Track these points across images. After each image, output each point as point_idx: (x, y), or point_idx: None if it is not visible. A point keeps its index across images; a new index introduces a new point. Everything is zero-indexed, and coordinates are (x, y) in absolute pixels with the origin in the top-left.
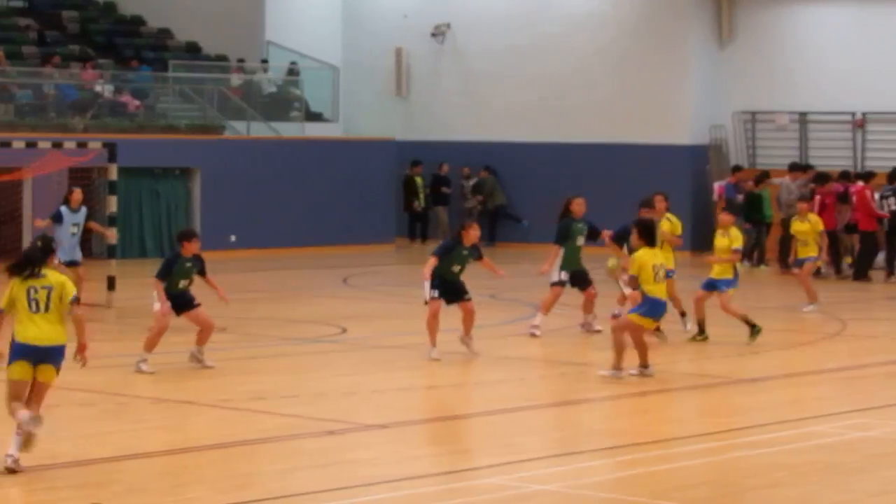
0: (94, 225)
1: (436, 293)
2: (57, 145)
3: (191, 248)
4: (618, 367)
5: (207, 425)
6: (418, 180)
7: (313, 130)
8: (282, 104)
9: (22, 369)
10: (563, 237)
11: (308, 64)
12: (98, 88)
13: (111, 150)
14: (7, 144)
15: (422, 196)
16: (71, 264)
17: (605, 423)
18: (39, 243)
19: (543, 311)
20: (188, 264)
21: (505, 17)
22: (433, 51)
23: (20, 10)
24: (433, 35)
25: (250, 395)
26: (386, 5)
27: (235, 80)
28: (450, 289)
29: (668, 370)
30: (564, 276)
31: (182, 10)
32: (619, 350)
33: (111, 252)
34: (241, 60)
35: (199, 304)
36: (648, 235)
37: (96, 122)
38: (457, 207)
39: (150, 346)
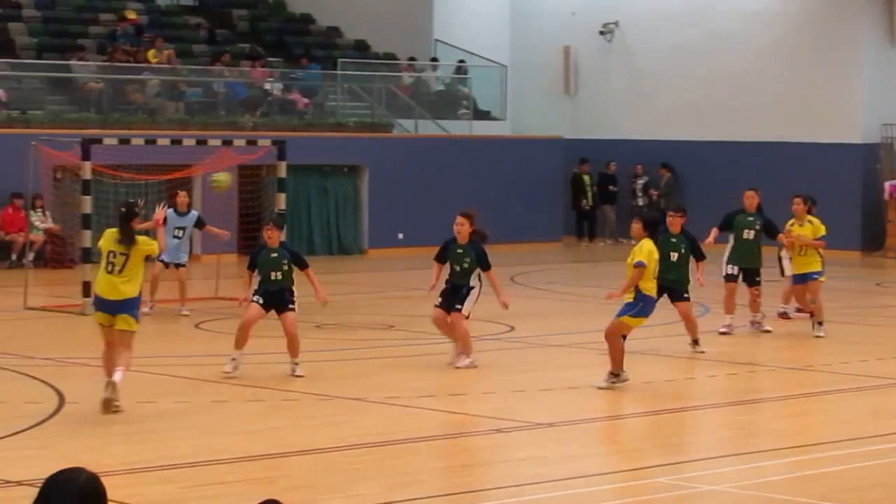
0: (210, 228)
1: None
2: (227, 143)
3: (272, 236)
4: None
5: (375, 422)
6: (586, 178)
7: (481, 129)
8: (450, 102)
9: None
10: (724, 226)
11: (476, 62)
12: (267, 86)
13: (280, 148)
14: (178, 142)
15: (589, 194)
16: (177, 265)
17: (775, 423)
18: (122, 209)
19: (727, 312)
20: (273, 255)
21: (673, 14)
22: (601, 49)
23: (191, 9)
24: (601, 33)
25: (418, 392)
26: (554, 3)
27: (404, 78)
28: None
29: (839, 370)
30: (733, 269)
31: (351, 9)
32: (617, 356)
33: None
34: (411, 59)
35: (291, 308)
36: (652, 228)
37: (265, 120)
38: (625, 206)
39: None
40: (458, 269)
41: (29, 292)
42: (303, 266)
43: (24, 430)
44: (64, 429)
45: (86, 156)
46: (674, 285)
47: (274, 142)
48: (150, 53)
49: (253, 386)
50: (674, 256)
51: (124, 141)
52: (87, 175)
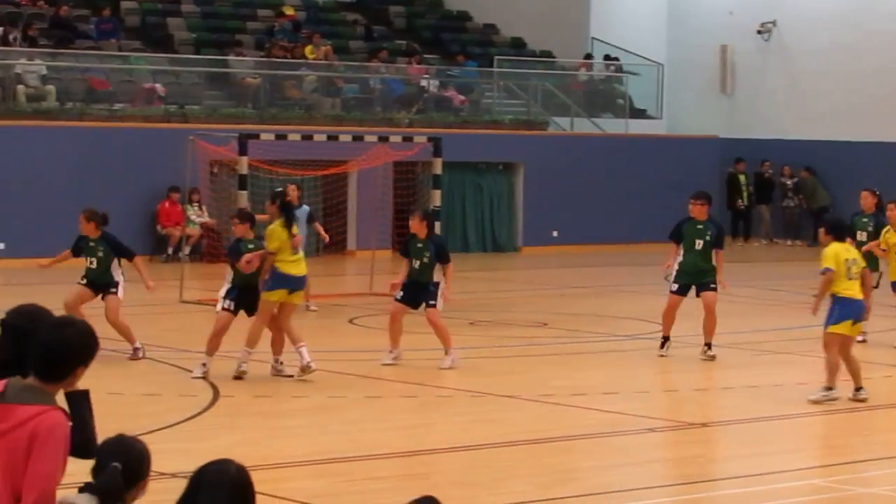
0: (317, 226)
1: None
2: (383, 139)
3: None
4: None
5: (528, 419)
6: (741, 178)
7: (636, 127)
8: (605, 101)
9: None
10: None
11: (632, 60)
12: (424, 83)
13: (436, 145)
14: (334, 138)
15: (745, 194)
16: None
17: None
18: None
19: None
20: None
21: (831, 14)
22: (758, 48)
23: (348, 6)
24: (759, 32)
25: (572, 390)
26: (712, 2)
27: (560, 76)
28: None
29: None
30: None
31: (508, 6)
32: (831, 369)
33: None
34: (578, 58)
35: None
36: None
37: (421, 117)
38: (779, 206)
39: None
40: (417, 265)
41: (185, 286)
42: (445, 261)
43: (178, 423)
44: (218, 422)
45: (242, 151)
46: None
47: (430, 139)
48: (308, 49)
49: (406, 382)
50: (699, 244)
51: (281, 136)
52: (244, 170)
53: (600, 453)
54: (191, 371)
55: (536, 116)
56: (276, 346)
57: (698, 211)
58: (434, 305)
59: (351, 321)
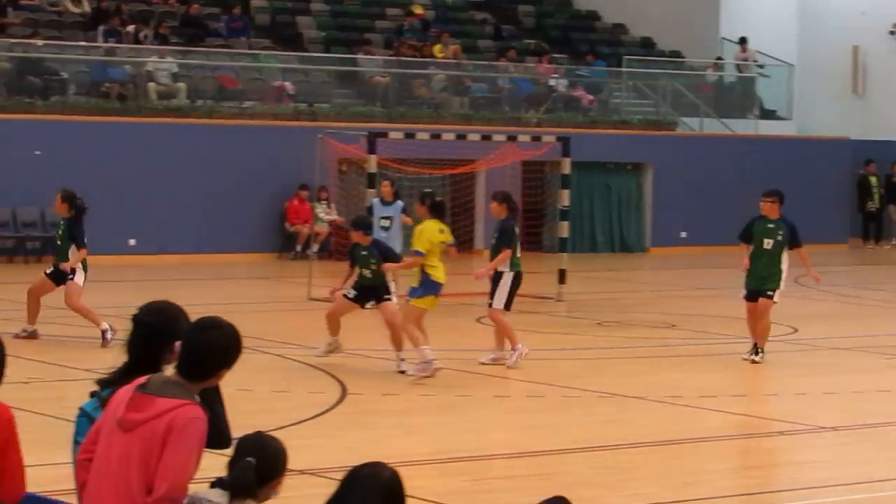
0: (406, 218)
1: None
2: (511, 139)
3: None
4: None
5: (656, 421)
6: (872, 180)
7: (766, 128)
8: (735, 101)
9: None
10: None
11: (763, 61)
12: (552, 83)
13: (565, 145)
14: (462, 137)
15: (876, 196)
16: None
17: None
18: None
19: None
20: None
21: None
22: (891, 49)
23: (477, 5)
24: (891, 33)
25: (700, 391)
26: (843, 3)
27: (689, 76)
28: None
29: None
30: None
31: (637, 6)
32: None
33: (562, 246)
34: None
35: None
36: None
37: (549, 116)
38: None
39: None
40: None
41: (312, 283)
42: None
43: (307, 420)
44: (346, 419)
45: (371, 149)
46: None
47: (558, 138)
48: (437, 48)
49: (533, 382)
50: (768, 244)
51: (409, 135)
52: (373, 168)
53: (728, 456)
54: (320, 368)
55: (665, 117)
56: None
57: (769, 209)
58: (389, 299)
59: (478, 320)
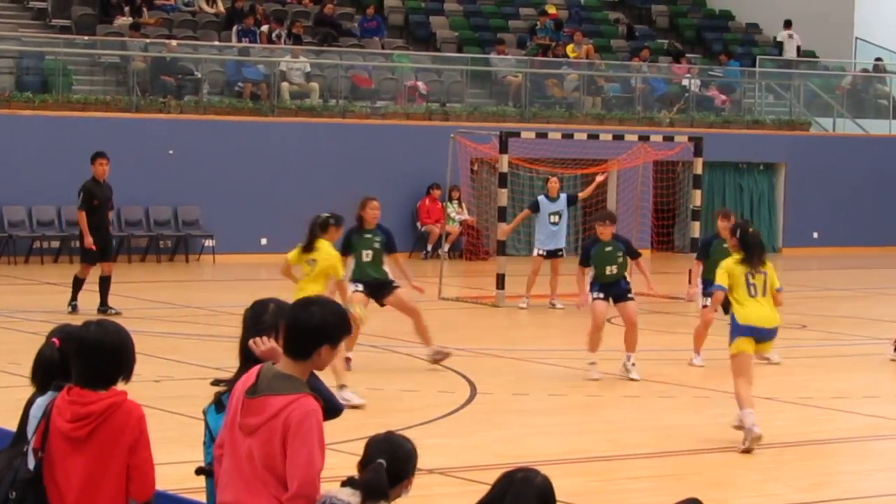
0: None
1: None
2: (643, 138)
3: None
4: None
5: (788, 422)
6: None
7: None
8: (869, 101)
9: None
10: None
11: None
12: (685, 83)
13: (697, 145)
14: (594, 137)
15: None
16: (553, 255)
17: None
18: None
19: None
20: (608, 248)
21: None
22: None
23: (611, 5)
24: None
25: (832, 393)
26: None
27: (823, 76)
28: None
29: None
30: None
31: (770, 6)
32: None
33: (694, 246)
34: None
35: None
36: None
37: (682, 116)
38: None
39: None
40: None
41: (444, 283)
42: (634, 256)
43: (437, 419)
44: (476, 418)
45: (503, 148)
46: None
47: (690, 138)
48: (570, 48)
49: (664, 382)
50: None
51: (542, 135)
52: (504, 168)
53: (861, 457)
54: (450, 368)
55: (799, 117)
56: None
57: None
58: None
59: (609, 321)
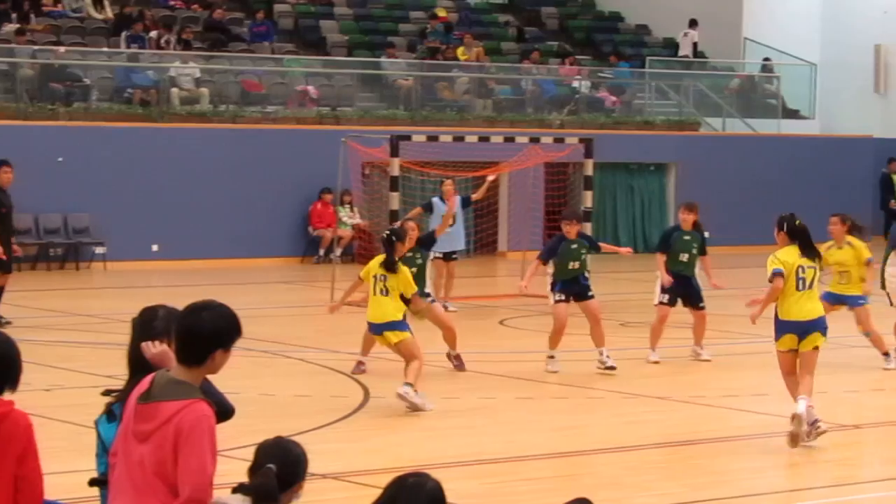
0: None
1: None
2: (534, 141)
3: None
4: None
5: (680, 421)
6: (895, 178)
7: (789, 128)
8: (758, 101)
9: None
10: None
11: (785, 61)
12: (576, 84)
13: (588, 146)
14: (485, 140)
15: None
16: (446, 258)
17: None
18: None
19: None
20: (573, 245)
21: None
22: None
23: (501, 7)
24: None
25: (723, 391)
26: (865, 2)
27: (712, 76)
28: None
29: None
30: None
31: (660, 7)
32: None
33: None
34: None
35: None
36: None
37: (573, 118)
38: None
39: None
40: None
41: (336, 287)
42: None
43: (330, 424)
44: (369, 423)
45: (394, 152)
46: None
47: (581, 139)
48: (460, 51)
49: (558, 384)
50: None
51: (433, 138)
52: (396, 171)
53: (753, 455)
54: (342, 373)
55: (688, 117)
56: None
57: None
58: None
59: (501, 322)
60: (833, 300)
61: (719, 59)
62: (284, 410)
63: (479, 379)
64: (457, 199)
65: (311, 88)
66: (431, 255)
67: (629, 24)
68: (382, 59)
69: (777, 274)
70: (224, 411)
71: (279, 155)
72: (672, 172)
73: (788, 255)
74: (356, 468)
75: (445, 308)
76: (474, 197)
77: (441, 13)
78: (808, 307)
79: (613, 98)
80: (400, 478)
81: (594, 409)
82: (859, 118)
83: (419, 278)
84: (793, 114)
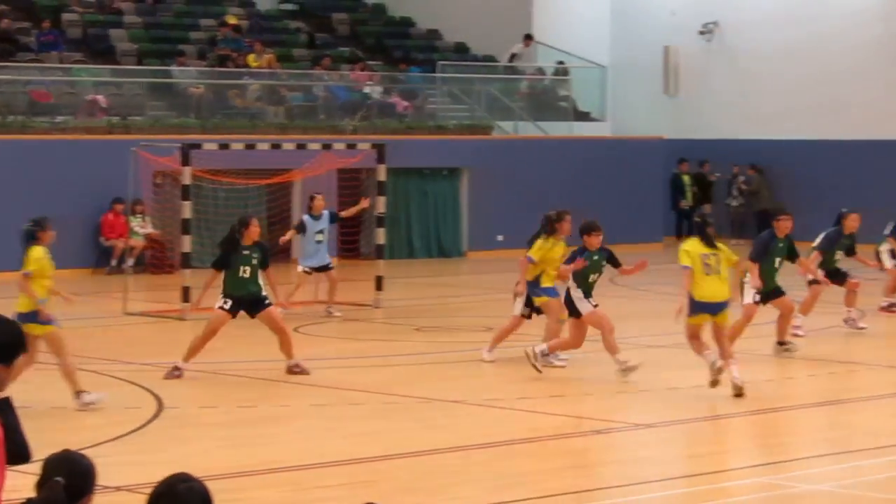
0: (347, 212)
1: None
2: (327, 147)
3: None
4: None
5: (476, 424)
6: (685, 178)
7: (581, 130)
8: (550, 104)
9: None
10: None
11: (576, 63)
12: (367, 90)
13: (380, 151)
14: (278, 147)
15: (689, 194)
16: (322, 269)
17: (876, 421)
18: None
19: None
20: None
21: (773, 14)
22: (702, 49)
23: (291, 14)
24: (701, 33)
25: (518, 394)
26: (654, 3)
27: (503, 80)
28: None
29: None
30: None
31: (451, 11)
32: None
33: (379, 252)
34: (510, 60)
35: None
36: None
37: (366, 124)
38: (722, 205)
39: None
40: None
41: (129, 297)
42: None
43: (124, 435)
44: (165, 434)
45: (186, 161)
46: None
47: (374, 145)
48: (251, 58)
49: (352, 389)
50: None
51: (224, 146)
52: (188, 180)
53: (548, 456)
54: (135, 384)
55: (480, 121)
56: None
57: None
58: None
59: (296, 330)
60: None
61: (510, 62)
62: (77, 423)
63: (272, 387)
64: (325, 214)
65: (100, 98)
66: (299, 267)
67: (420, 29)
68: (173, 68)
69: (685, 269)
70: (21, 453)
71: (69, 165)
72: (465, 177)
73: (692, 246)
74: (149, 480)
75: (330, 314)
76: (343, 214)
77: (231, 20)
78: (717, 289)
79: (405, 103)
80: (168, 483)
81: (389, 414)
82: (650, 120)
83: (253, 279)
84: (584, 116)
